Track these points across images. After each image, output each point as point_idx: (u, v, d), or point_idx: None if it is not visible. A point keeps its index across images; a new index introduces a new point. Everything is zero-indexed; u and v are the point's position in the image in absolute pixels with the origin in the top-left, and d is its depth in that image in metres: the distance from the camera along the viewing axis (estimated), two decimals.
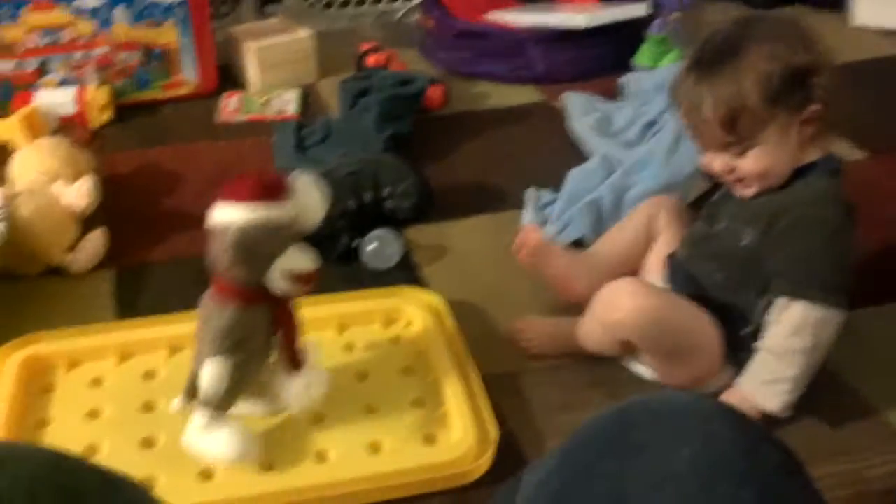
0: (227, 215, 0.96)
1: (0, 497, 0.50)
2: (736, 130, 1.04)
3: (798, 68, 1.02)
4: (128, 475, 0.60)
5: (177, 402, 1.04)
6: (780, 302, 1.06)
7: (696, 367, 1.12)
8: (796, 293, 1.04)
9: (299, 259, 0.99)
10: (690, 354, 1.11)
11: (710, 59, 1.05)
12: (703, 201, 1.26)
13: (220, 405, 1.00)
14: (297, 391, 1.04)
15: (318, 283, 1.01)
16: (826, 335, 1.04)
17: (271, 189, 0.97)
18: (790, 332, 1.04)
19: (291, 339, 1.04)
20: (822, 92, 1.03)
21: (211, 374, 0.98)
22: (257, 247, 0.96)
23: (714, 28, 1.08)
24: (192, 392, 1.03)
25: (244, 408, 1.06)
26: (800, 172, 1.07)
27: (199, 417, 1.01)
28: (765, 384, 1.07)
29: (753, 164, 1.06)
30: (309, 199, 1.00)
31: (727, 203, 1.15)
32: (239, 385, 1.01)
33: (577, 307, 1.21)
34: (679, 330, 1.10)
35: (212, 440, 1.01)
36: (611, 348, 1.16)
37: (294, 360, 1.04)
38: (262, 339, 1.02)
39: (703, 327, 1.10)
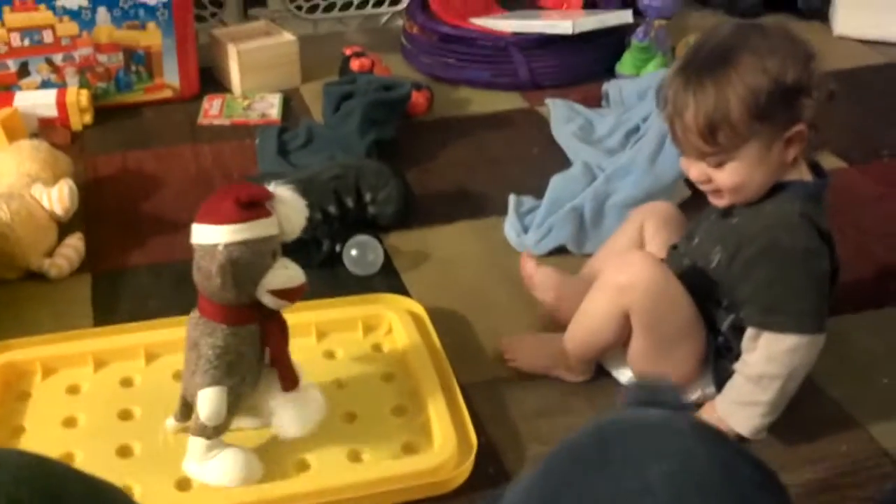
0: (212, 237, 0.93)
1: None
2: (715, 142, 1.01)
3: (788, 87, 0.99)
4: (110, 481, 0.59)
5: (170, 423, 1.04)
6: (751, 331, 1.05)
7: (679, 363, 1.11)
8: (764, 323, 1.04)
9: (286, 276, 0.97)
10: (679, 345, 1.10)
11: (700, 65, 1.01)
12: (687, 208, 1.26)
13: (215, 431, 0.99)
14: (291, 416, 1.02)
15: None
16: (800, 361, 1.03)
17: (254, 206, 0.94)
18: (763, 359, 1.04)
19: (282, 354, 1.01)
20: (809, 112, 1.00)
21: (209, 403, 0.97)
22: (245, 268, 0.94)
23: (710, 32, 1.04)
24: (183, 414, 1.03)
25: (236, 422, 1.04)
26: (775, 190, 1.05)
27: (195, 443, 0.99)
28: (739, 406, 1.07)
29: (729, 178, 1.03)
30: (290, 210, 0.98)
31: (704, 221, 1.15)
32: (233, 408, 1.00)
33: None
34: (679, 310, 1.08)
35: (213, 466, 1.00)
36: (607, 330, 1.11)
37: (287, 378, 1.01)
38: (252, 359, 1.00)
39: (696, 318, 1.09)
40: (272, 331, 1.00)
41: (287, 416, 1.02)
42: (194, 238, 0.95)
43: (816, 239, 1.03)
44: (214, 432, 0.99)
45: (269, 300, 0.97)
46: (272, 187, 0.98)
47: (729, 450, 0.61)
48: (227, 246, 0.93)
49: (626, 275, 1.09)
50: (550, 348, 1.19)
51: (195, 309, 1.00)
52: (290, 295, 0.97)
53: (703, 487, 0.57)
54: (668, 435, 0.60)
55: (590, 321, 1.14)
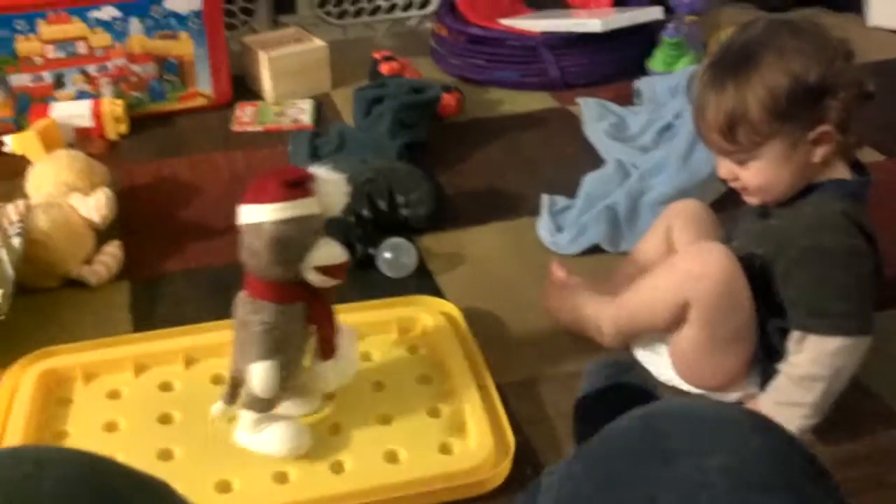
0: (258, 216, 0.97)
1: (42, 500, 0.51)
2: (735, 140, 1.01)
3: (810, 87, 0.98)
4: (157, 477, 0.60)
5: (217, 407, 1.05)
6: (796, 333, 1.04)
7: (725, 363, 1.10)
8: (808, 326, 1.02)
9: (329, 252, 1.00)
10: (729, 346, 1.08)
11: (724, 63, 1.02)
12: (724, 205, 1.25)
13: (266, 405, 1.03)
14: (324, 374, 1.06)
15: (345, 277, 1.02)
16: (844, 362, 1.02)
17: (298, 186, 0.98)
18: (808, 361, 1.02)
19: (327, 331, 1.05)
20: (835, 114, 0.99)
21: (261, 377, 0.99)
22: (291, 244, 0.97)
23: (743, 28, 1.04)
24: (231, 396, 1.05)
25: (283, 408, 1.07)
26: (812, 190, 1.04)
27: (246, 417, 1.03)
28: (782, 406, 1.05)
29: (753, 177, 1.03)
30: (332, 188, 1.02)
31: (743, 222, 1.14)
32: (283, 384, 1.02)
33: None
34: (739, 312, 1.07)
35: (263, 437, 1.04)
36: (660, 312, 1.10)
37: (326, 350, 1.05)
38: (299, 336, 1.04)
39: (752, 321, 1.08)
40: (317, 308, 1.03)
41: (323, 370, 1.06)
42: (241, 219, 0.99)
43: (859, 237, 1.01)
44: (266, 406, 1.02)
45: (314, 277, 1.00)
46: (313, 168, 1.02)
47: (782, 440, 0.61)
48: (274, 223, 0.96)
49: (700, 264, 1.07)
50: (595, 309, 1.19)
51: (241, 291, 1.03)
52: (334, 271, 1.01)
53: (759, 480, 0.57)
54: (722, 426, 0.60)
55: (648, 296, 1.12)
